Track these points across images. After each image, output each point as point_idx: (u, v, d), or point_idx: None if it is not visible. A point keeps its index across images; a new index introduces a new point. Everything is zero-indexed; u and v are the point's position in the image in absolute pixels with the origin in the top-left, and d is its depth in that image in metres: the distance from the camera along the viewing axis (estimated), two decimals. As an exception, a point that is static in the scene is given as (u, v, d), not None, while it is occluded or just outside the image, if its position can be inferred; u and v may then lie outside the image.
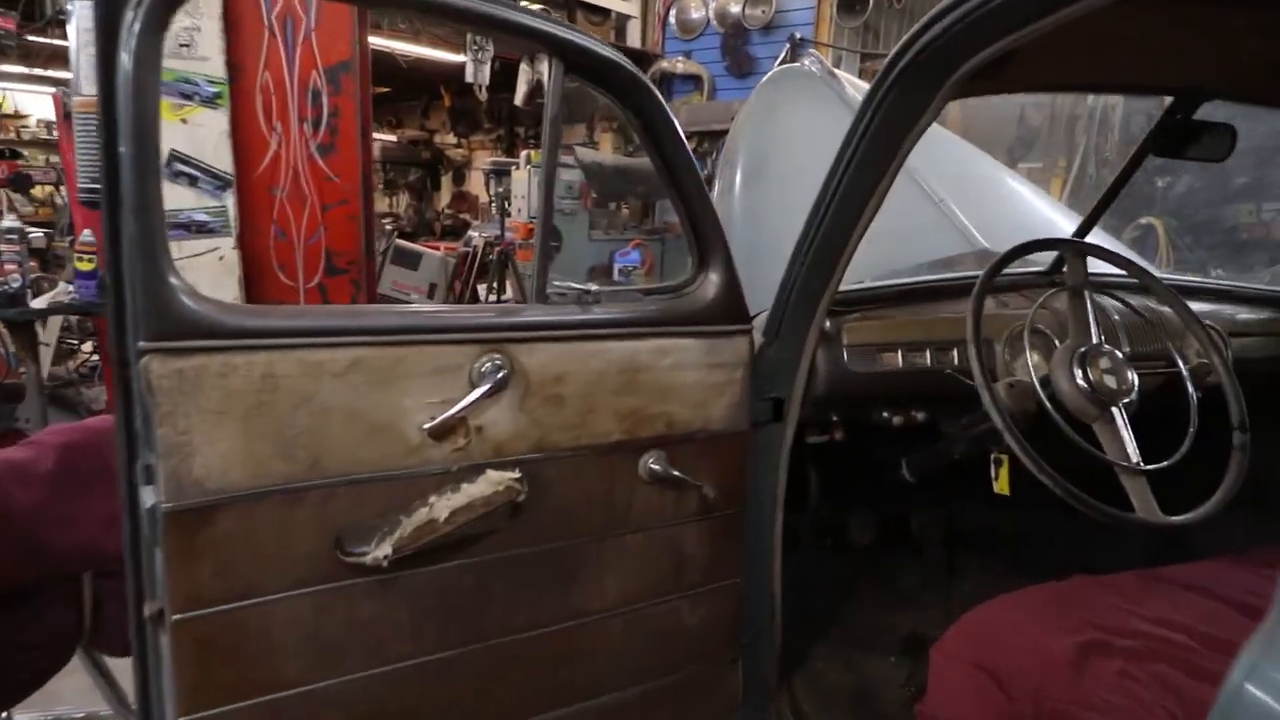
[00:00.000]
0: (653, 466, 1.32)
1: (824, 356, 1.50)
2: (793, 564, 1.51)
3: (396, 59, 7.01)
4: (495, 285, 5.38)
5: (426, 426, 1.11)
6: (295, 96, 1.68)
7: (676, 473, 1.32)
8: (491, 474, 1.17)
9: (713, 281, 1.36)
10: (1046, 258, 1.86)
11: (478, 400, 1.13)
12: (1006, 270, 1.50)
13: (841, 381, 1.51)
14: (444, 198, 11.14)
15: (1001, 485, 1.63)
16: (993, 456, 1.60)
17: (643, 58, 7.08)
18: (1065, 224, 2.16)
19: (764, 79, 2.96)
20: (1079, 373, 1.26)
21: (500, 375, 1.15)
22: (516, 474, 1.18)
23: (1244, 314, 1.87)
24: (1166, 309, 1.67)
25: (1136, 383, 1.28)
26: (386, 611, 1.16)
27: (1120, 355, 1.30)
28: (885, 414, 1.58)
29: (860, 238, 1.30)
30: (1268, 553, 1.51)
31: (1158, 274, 1.48)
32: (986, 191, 2.61)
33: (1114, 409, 1.25)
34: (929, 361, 1.54)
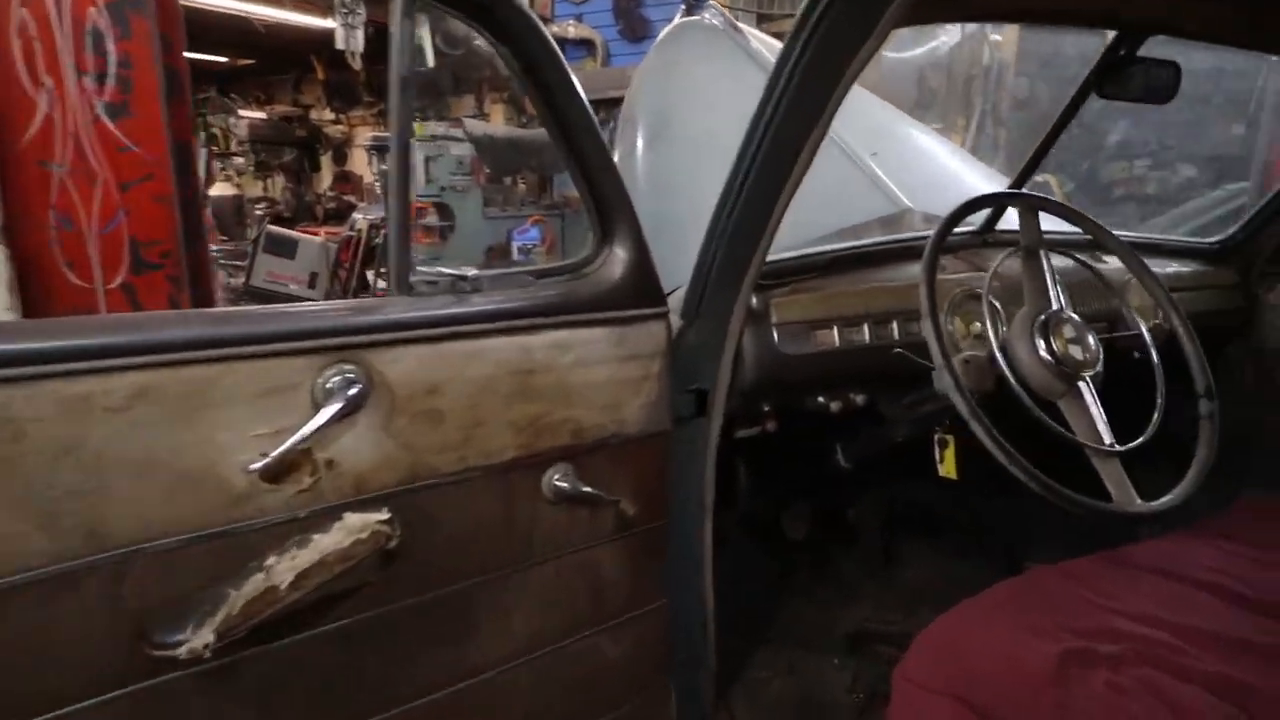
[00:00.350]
0: (558, 484, 1.09)
1: (752, 339, 1.29)
2: (725, 567, 1.32)
3: (253, 23, 6.35)
4: (381, 271, 4.98)
5: (255, 467, 0.84)
6: (69, 41, 1.31)
7: (587, 488, 1.10)
8: (351, 518, 0.91)
9: (619, 258, 1.13)
10: (978, 216, 1.72)
11: (325, 426, 0.87)
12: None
13: (773, 366, 1.31)
14: (325, 179, 10.40)
15: (948, 468, 1.49)
16: (936, 438, 1.45)
17: (530, 22, 6.67)
18: (986, 181, 2.03)
19: (662, 34, 2.72)
20: (1041, 343, 1.10)
21: (354, 391, 0.89)
22: (384, 514, 0.93)
23: (1173, 267, 1.79)
24: (1115, 266, 1.55)
25: (1101, 351, 1.14)
26: (223, 711, 0.89)
27: (1081, 321, 1.16)
28: (821, 399, 1.40)
29: (791, 197, 1.10)
30: (1218, 524, 1.43)
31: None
32: (905, 148, 2.48)
33: (1081, 383, 1.10)
34: (868, 337, 1.37)
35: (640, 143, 2.27)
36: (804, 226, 1.94)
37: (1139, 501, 1.06)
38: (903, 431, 1.42)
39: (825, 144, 2.20)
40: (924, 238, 1.25)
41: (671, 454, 1.26)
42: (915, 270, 1.33)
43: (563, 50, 1.08)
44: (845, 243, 1.55)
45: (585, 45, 6.98)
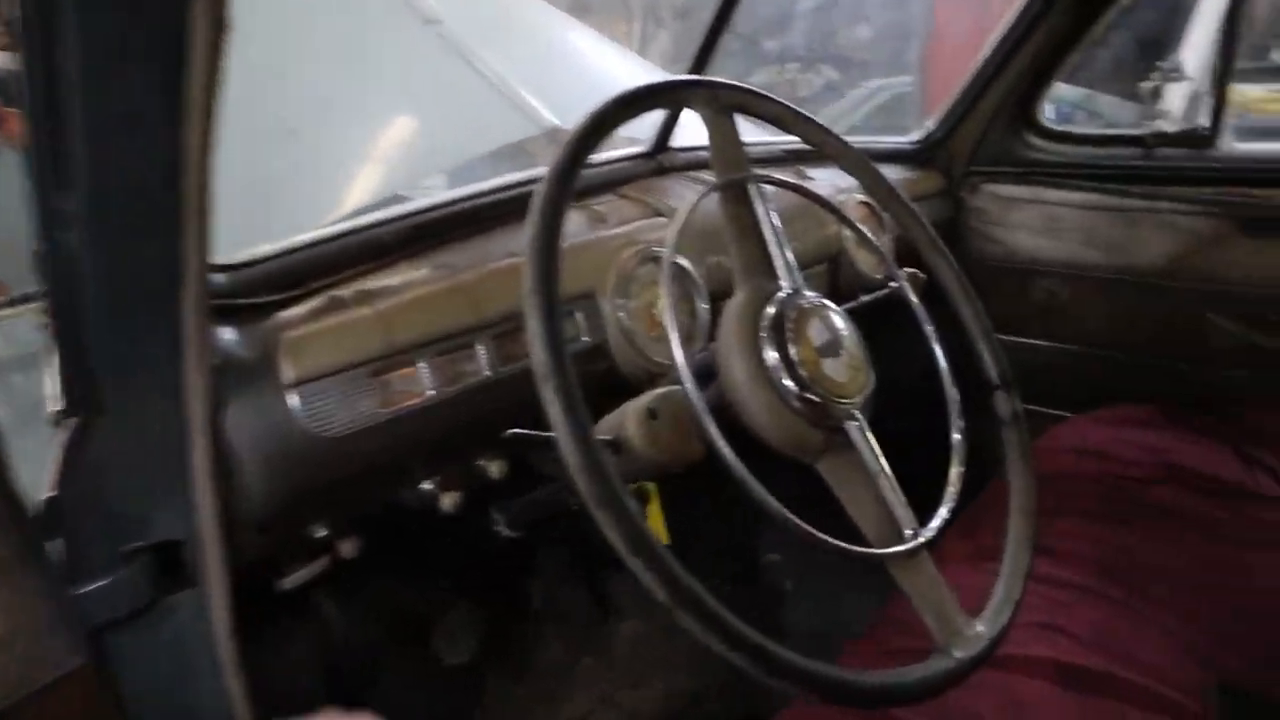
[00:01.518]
0: None
1: (244, 421, 0.63)
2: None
3: None
4: None
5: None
6: None
7: None
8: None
9: None
10: (643, 127, 1.18)
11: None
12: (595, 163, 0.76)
13: (303, 464, 0.66)
14: None
15: (653, 525, 0.97)
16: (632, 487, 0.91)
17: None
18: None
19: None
20: (775, 361, 0.58)
21: None
22: None
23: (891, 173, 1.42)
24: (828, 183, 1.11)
25: (867, 355, 0.65)
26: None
27: (831, 306, 0.65)
28: (428, 486, 0.78)
29: (209, 151, 0.44)
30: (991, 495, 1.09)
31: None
32: (554, 51, 1.87)
33: (850, 423, 0.60)
34: (486, 366, 0.76)
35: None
36: (388, 166, 1.28)
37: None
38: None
39: (429, 41, 1.51)
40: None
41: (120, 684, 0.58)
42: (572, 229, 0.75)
43: None
44: (438, 199, 0.91)
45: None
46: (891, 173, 1.52)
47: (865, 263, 1.24)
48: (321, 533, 0.73)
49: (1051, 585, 0.84)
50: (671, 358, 0.56)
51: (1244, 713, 0.75)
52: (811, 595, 1.48)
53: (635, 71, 1.96)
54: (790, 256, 0.65)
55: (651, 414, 0.61)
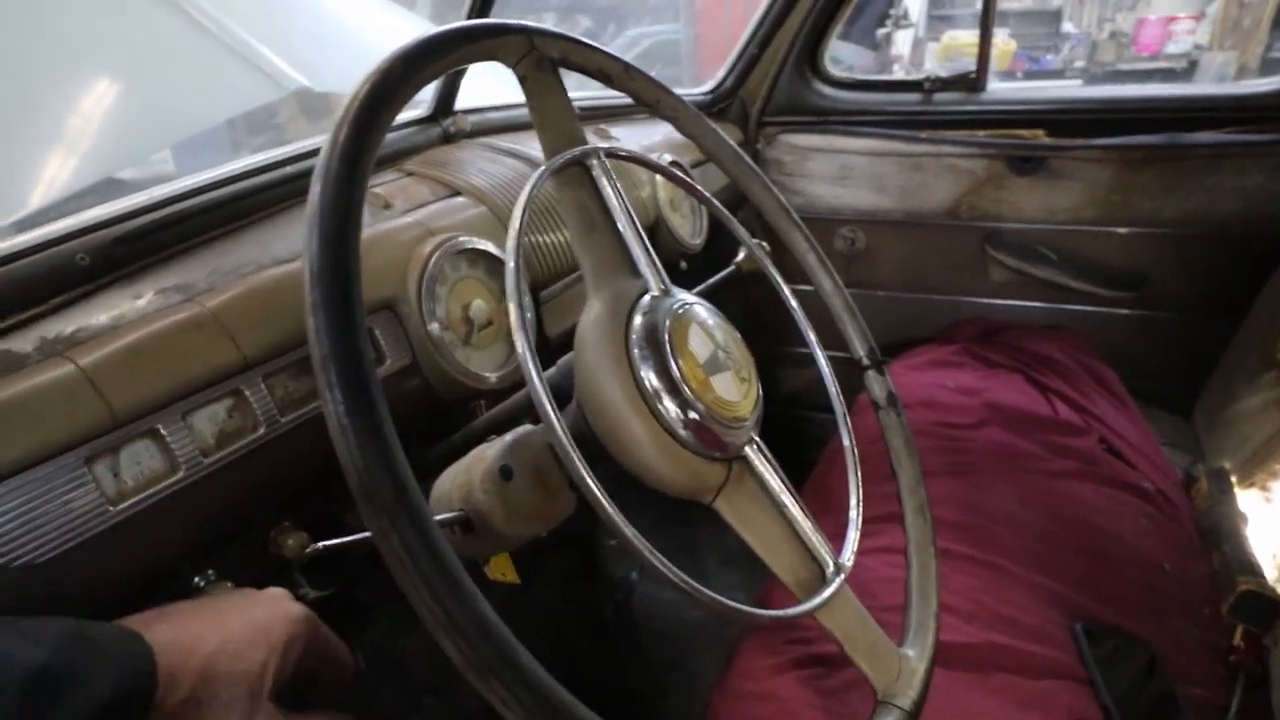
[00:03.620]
0: None
1: None
2: None
3: None
4: None
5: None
6: None
7: None
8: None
9: None
10: (426, 91, 0.98)
11: None
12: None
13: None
14: None
15: (500, 569, 0.83)
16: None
17: None
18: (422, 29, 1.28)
19: None
20: (655, 386, 0.45)
21: None
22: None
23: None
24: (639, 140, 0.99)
25: (754, 369, 0.54)
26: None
27: (709, 305, 0.54)
28: (199, 581, 0.58)
29: None
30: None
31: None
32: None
33: (750, 449, 0.50)
34: (261, 421, 0.57)
35: None
36: (96, 144, 1.00)
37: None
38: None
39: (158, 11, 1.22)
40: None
41: None
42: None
43: None
44: (163, 194, 0.67)
45: None
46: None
47: (681, 227, 1.16)
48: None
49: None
50: (519, 374, 0.43)
51: (1107, 649, 0.77)
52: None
53: (402, 26, 1.71)
54: (649, 246, 0.53)
55: (505, 473, 0.47)
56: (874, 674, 0.50)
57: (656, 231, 1.13)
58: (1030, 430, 1.09)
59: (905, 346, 1.48)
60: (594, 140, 0.53)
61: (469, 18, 0.97)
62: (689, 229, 1.18)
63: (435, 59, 0.46)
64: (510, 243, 0.45)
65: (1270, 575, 0.86)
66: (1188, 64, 6.51)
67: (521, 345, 0.42)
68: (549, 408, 0.41)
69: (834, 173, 1.55)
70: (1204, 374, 1.33)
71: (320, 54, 1.26)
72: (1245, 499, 0.99)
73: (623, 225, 0.52)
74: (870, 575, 0.60)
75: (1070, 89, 3.30)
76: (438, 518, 0.47)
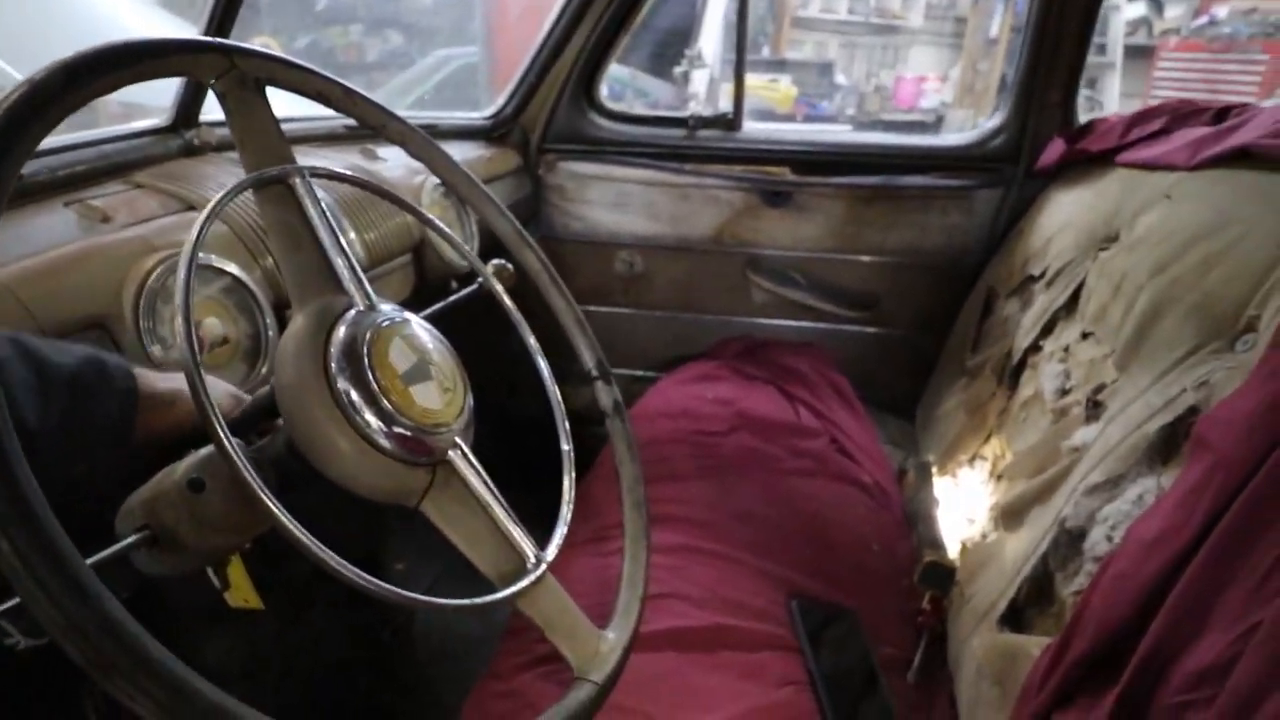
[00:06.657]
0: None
1: None
2: None
3: None
4: None
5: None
6: None
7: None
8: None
9: None
10: (156, 97, 0.93)
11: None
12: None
13: None
14: None
15: (242, 594, 0.80)
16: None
17: None
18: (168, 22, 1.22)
19: None
20: (364, 407, 0.47)
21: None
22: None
23: (454, 154, 1.35)
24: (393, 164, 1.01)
25: (462, 372, 0.58)
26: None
27: (419, 320, 0.56)
28: None
29: None
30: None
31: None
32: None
33: (453, 453, 0.53)
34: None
35: None
36: None
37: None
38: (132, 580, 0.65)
39: None
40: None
41: None
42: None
43: None
44: None
45: None
46: (468, 150, 1.48)
47: (448, 249, 1.17)
48: None
49: (664, 553, 0.90)
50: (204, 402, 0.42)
51: (818, 620, 0.87)
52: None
53: (160, 28, 1.59)
54: (356, 264, 0.55)
55: (195, 486, 0.47)
56: (572, 654, 0.54)
57: (423, 254, 1.14)
58: (775, 435, 1.21)
59: (679, 362, 1.59)
60: (300, 159, 0.55)
61: (206, 34, 0.94)
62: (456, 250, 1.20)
63: (107, 73, 0.45)
64: (185, 253, 0.45)
65: (953, 549, 1.02)
66: (936, 118, 7.47)
67: (188, 359, 0.42)
68: (211, 415, 0.42)
69: (611, 199, 1.64)
70: (923, 381, 1.55)
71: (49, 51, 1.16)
72: (941, 486, 1.17)
73: (327, 243, 0.53)
74: (613, 573, 0.66)
75: (810, 131, 3.71)
76: (131, 538, 0.46)
